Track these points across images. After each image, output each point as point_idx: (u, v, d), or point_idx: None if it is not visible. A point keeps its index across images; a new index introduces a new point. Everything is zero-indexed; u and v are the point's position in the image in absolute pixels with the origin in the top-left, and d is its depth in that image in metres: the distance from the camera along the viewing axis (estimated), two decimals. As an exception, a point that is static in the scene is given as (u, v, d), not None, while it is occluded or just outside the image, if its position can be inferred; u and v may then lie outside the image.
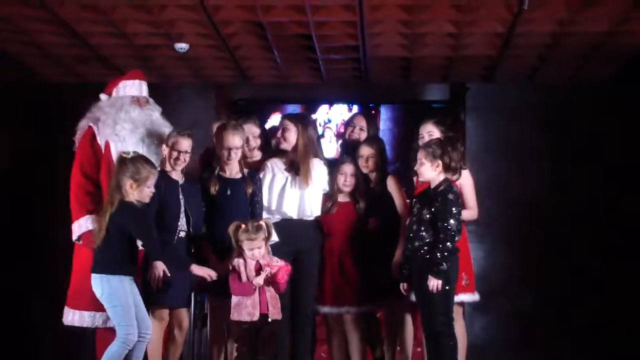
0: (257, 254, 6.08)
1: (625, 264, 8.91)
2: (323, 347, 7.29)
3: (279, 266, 6.10)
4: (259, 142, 6.84)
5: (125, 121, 6.41)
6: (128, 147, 6.27)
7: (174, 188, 6.25)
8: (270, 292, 6.10)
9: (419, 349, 7.29)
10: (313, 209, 6.61)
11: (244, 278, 6.06)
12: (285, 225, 6.55)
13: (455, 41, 7.89)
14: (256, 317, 6.05)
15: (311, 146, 6.63)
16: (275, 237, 6.43)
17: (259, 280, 6.05)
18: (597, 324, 8.89)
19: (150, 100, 6.67)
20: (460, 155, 6.17)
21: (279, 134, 6.72)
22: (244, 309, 6.05)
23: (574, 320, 8.93)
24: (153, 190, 6.03)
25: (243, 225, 6.08)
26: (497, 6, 7.09)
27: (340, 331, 6.74)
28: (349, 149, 7.04)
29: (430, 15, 7.28)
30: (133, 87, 6.62)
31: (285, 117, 6.90)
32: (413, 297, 6.26)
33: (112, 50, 8.34)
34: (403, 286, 6.28)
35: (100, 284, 5.95)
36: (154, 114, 6.58)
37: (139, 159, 6.04)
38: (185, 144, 6.26)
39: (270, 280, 6.08)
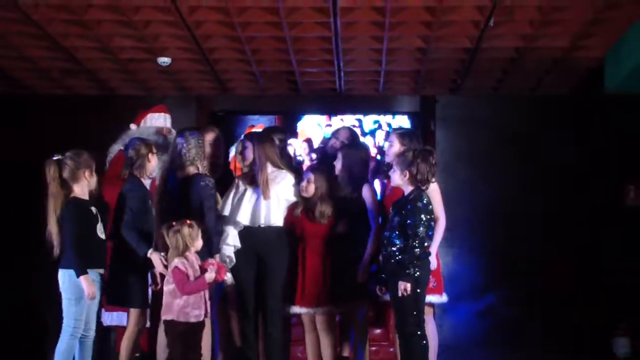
0: (194, 254, 5.92)
1: (589, 266, 8.93)
2: (300, 347, 7.22)
3: (217, 263, 5.93)
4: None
5: None
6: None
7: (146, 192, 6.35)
8: (205, 292, 5.91)
9: (391, 349, 7.27)
10: (270, 218, 6.53)
11: (191, 277, 5.84)
12: (247, 233, 6.53)
13: (424, 56, 7.89)
14: (202, 318, 5.87)
15: (267, 159, 6.56)
16: (238, 243, 6.45)
17: (212, 275, 5.85)
18: (559, 323, 8.89)
19: (173, 130, 7.04)
20: (429, 168, 6.07)
21: (239, 152, 6.73)
22: (191, 310, 5.85)
23: (538, 320, 8.92)
24: None
25: (188, 222, 5.90)
26: (465, 23, 7.09)
27: (314, 331, 6.69)
28: (328, 157, 7.00)
29: (402, 31, 7.27)
30: (159, 120, 7.11)
31: (244, 136, 6.88)
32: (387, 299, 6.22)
33: (98, 64, 8.26)
34: (379, 288, 6.25)
35: (62, 277, 5.92)
36: None
37: (75, 152, 6.06)
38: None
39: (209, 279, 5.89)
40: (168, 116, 7.16)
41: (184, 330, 5.84)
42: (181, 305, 5.83)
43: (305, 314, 6.60)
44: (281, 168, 6.62)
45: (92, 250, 5.98)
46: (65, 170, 6.02)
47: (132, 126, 7.05)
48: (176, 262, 5.85)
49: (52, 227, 5.98)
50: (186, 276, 5.82)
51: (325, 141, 7.23)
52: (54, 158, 6.05)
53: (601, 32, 7.29)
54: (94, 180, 6.10)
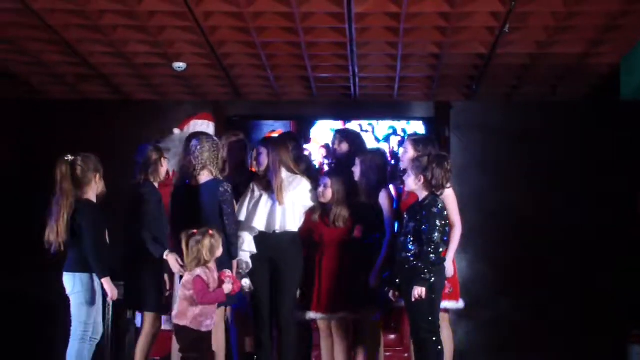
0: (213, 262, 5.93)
1: (603, 273, 8.90)
2: (314, 352, 7.20)
3: (232, 276, 5.93)
4: None
5: None
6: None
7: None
8: None
9: (405, 355, 7.24)
10: (285, 223, 6.50)
11: (212, 287, 5.84)
12: (262, 238, 6.50)
13: (439, 61, 7.88)
14: (211, 327, 5.89)
15: (281, 165, 6.52)
16: (253, 249, 6.44)
17: (230, 287, 5.87)
18: (571, 329, 8.88)
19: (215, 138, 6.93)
20: (444, 173, 6.05)
21: (254, 158, 6.71)
22: (205, 319, 5.85)
23: (550, 325, 8.90)
24: None
25: (210, 232, 5.89)
26: (480, 29, 7.08)
27: (330, 337, 6.68)
28: (341, 162, 7.00)
29: (416, 37, 7.26)
30: (202, 126, 7.10)
31: (258, 142, 6.86)
32: (402, 304, 6.21)
33: (112, 69, 8.28)
34: (393, 294, 6.23)
35: (72, 281, 5.92)
36: None
37: (85, 155, 6.08)
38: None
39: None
40: (212, 124, 7.19)
41: (196, 337, 5.84)
42: (197, 314, 5.83)
43: (321, 320, 6.60)
44: (296, 173, 6.62)
45: (103, 255, 6.03)
46: (77, 170, 6.05)
47: (176, 130, 7.09)
48: (199, 271, 5.83)
49: (62, 226, 5.94)
50: (207, 286, 5.83)
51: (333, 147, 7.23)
52: (66, 158, 6.09)
53: (616, 39, 7.26)
54: (102, 185, 6.14)
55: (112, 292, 5.94)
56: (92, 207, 6.03)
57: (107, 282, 5.91)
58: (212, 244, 5.86)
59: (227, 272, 5.97)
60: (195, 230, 5.88)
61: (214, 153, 6.29)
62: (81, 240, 5.94)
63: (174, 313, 5.90)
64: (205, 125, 7.12)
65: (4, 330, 8.71)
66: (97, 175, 6.09)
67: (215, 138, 6.42)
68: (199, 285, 5.79)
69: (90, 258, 5.90)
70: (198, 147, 6.25)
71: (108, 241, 6.11)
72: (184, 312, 5.83)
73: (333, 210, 6.52)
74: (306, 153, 8.09)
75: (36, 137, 9.24)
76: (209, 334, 5.90)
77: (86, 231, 5.93)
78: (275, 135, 8.26)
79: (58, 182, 6.01)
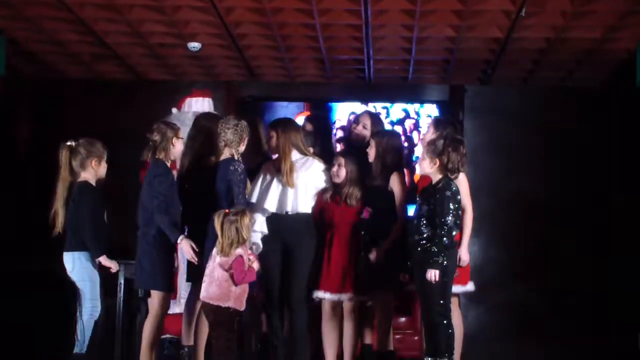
0: None
1: (612, 257, 8.88)
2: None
3: (253, 254, 5.99)
4: None
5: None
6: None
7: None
8: None
9: (415, 338, 7.24)
10: (297, 205, 6.50)
11: (247, 266, 5.87)
12: (274, 220, 6.51)
13: (455, 45, 7.84)
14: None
15: (292, 147, 6.51)
16: (265, 230, 6.45)
17: (258, 266, 5.91)
18: (584, 313, 8.87)
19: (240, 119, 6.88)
20: (460, 158, 6.06)
21: (266, 141, 6.72)
22: (244, 298, 5.90)
23: (562, 309, 8.90)
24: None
25: (246, 212, 5.92)
26: (496, 12, 7.03)
27: (333, 318, 6.66)
28: (353, 143, 6.97)
29: (432, 20, 7.22)
30: (197, 104, 7.14)
31: (270, 125, 6.83)
32: (413, 287, 6.21)
33: (128, 48, 8.28)
34: (404, 277, 6.23)
35: (72, 260, 6.07)
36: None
37: (88, 140, 6.21)
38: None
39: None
40: (207, 99, 7.15)
41: (234, 316, 5.88)
42: (238, 294, 5.86)
43: (327, 300, 6.58)
44: (307, 155, 6.60)
45: (101, 235, 6.13)
46: (75, 157, 6.17)
47: (174, 110, 7.08)
48: (240, 251, 5.84)
49: (61, 211, 6.18)
50: (243, 264, 5.85)
51: (348, 128, 7.19)
52: (67, 144, 6.17)
53: (634, 24, 7.20)
54: (102, 169, 6.24)
55: (112, 265, 6.15)
56: (90, 188, 6.17)
57: (104, 259, 6.11)
58: (248, 225, 5.90)
59: (248, 250, 6.00)
60: (227, 210, 5.89)
61: (237, 133, 6.25)
62: (78, 220, 6.06)
63: (211, 295, 5.86)
64: (200, 103, 7.09)
65: (32, 311, 8.76)
66: (94, 161, 6.21)
67: (242, 119, 6.38)
68: (241, 266, 5.83)
69: (86, 237, 6.07)
70: (223, 125, 6.23)
71: (107, 222, 6.22)
72: (226, 293, 5.84)
73: (346, 189, 6.49)
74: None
75: (51, 116, 9.25)
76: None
77: (82, 211, 6.09)
78: (303, 115, 8.19)
79: (59, 168, 6.21)
